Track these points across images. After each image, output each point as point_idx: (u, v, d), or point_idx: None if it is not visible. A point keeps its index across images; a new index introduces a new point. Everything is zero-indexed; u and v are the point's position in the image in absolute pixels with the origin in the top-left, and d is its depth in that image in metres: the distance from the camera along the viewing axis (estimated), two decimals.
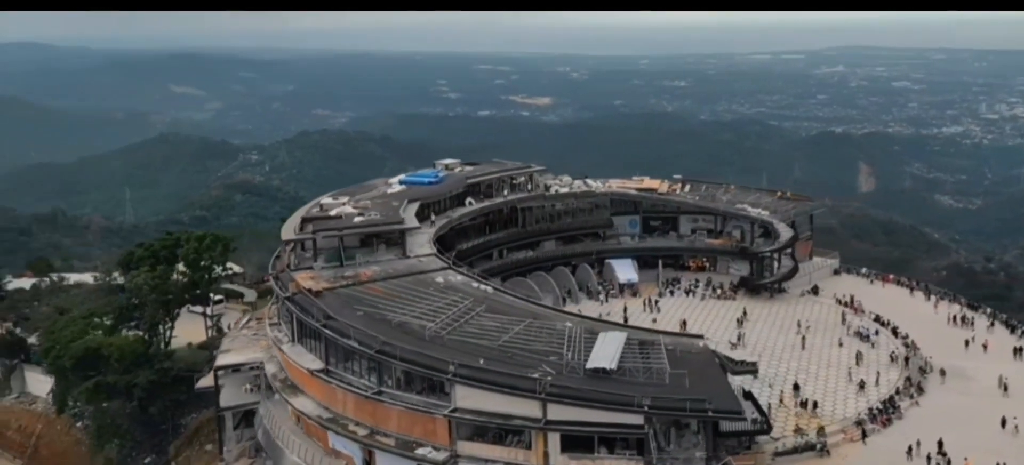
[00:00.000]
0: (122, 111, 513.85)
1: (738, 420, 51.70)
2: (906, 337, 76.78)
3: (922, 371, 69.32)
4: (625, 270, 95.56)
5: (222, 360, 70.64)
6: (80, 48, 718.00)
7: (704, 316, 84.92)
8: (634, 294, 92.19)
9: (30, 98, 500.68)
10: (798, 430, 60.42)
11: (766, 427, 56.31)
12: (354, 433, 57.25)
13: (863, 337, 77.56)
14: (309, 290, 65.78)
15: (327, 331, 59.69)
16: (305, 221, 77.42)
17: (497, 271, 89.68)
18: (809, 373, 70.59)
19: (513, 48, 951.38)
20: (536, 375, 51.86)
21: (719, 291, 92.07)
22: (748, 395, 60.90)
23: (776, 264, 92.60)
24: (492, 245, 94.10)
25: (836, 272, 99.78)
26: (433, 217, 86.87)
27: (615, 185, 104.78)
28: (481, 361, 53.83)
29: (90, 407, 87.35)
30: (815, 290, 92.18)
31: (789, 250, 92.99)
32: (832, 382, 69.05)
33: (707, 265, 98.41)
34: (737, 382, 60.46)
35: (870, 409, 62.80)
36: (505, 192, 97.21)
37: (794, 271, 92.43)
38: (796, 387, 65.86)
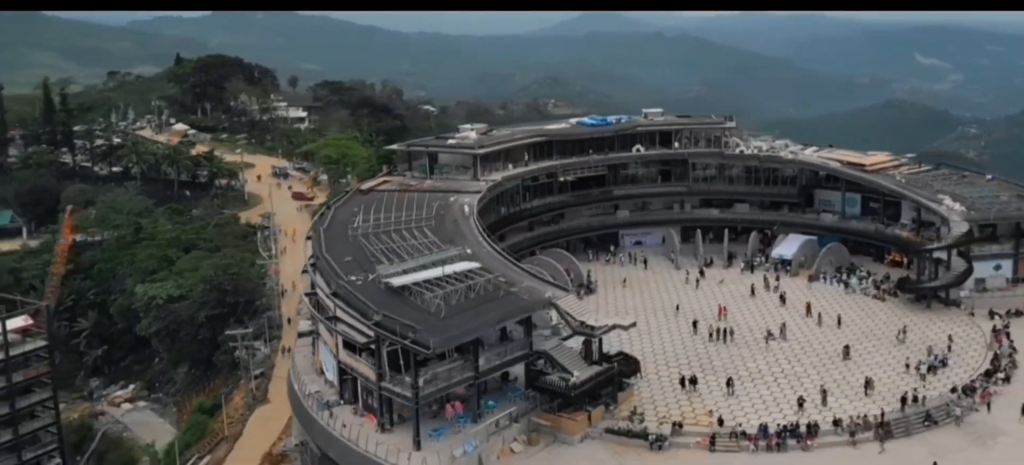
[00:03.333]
0: (867, 77, 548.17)
1: (424, 351, 49.60)
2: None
3: None
4: (787, 246, 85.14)
5: None
6: (847, 19, 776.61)
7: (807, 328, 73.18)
8: (789, 273, 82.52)
9: (797, 62, 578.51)
10: (634, 415, 54.57)
11: (568, 389, 53.12)
12: None
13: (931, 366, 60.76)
14: (365, 188, 79.14)
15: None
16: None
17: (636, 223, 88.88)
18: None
19: None
20: (351, 278, 58.16)
21: (876, 291, 76.89)
22: (607, 357, 57.94)
23: (941, 266, 73.44)
24: (653, 195, 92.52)
25: None
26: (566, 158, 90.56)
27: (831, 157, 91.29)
28: (347, 258, 61.72)
29: None
30: None
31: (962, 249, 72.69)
32: None
33: (907, 261, 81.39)
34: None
35: None
36: (676, 144, 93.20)
37: (966, 274, 72.18)
38: (801, 402, 56.46)
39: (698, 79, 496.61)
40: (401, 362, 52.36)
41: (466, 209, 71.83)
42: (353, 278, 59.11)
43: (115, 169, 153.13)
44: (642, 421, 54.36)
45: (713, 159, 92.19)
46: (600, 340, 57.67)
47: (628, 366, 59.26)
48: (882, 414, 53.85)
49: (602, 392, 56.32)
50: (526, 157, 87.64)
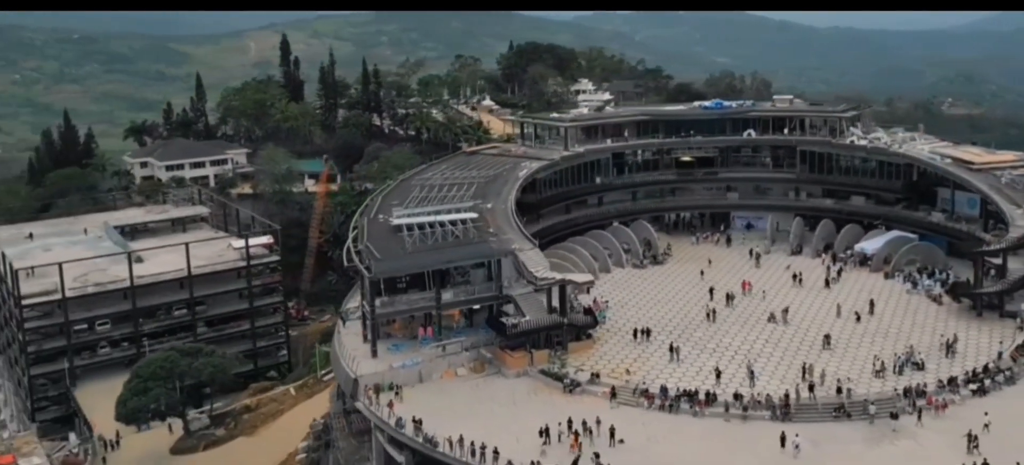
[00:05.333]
0: None
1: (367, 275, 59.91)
2: None
3: None
4: (872, 242, 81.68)
5: None
6: None
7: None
8: (869, 268, 79.91)
9: None
10: (560, 360, 60.71)
11: (508, 329, 60.68)
12: None
13: None
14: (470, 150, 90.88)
15: None
16: None
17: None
18: None
19: None
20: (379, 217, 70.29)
21: (936, 293, 72.35)
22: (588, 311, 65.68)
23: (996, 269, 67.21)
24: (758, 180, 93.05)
25: None
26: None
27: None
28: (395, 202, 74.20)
29: None
30: None
31: None
32: None
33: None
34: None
35: None
36: (785, 130, 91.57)
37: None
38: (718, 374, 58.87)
39: None
40: (381, 286, 63.63)
41: (521, 174, 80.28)
42: (380, 217, 71.16)
43: (409, 132, 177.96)
44: (562, 366, 60.29)
45: (820, 147, 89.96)
46: (564, 290, 63.56)
47: (587, 320, 64.86)
48: (786, 396, 54.55)
49: (554, 337, 62.82)
50: (626, 134, 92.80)
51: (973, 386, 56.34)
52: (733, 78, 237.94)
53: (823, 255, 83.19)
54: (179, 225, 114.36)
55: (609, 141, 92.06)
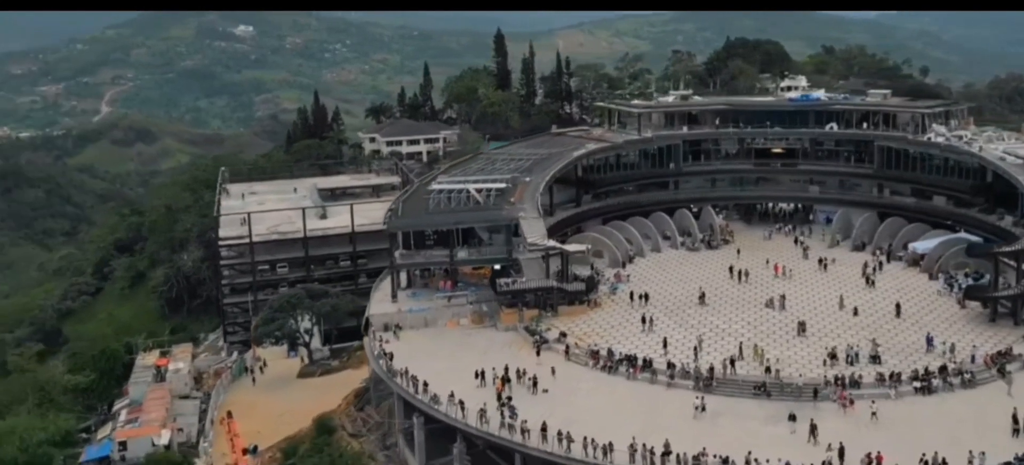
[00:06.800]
0: None
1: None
2: None
3: None
4: (926, 242, 79.35)
5: None
6: None
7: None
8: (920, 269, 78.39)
9: None
10: (540, 320, 67.64)
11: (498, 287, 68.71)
12: None
13: None
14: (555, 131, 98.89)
15: None
16: None
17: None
18: None
19: None
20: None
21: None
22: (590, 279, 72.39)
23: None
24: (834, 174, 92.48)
25: None
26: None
27: None
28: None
29: None
30: None
31: None
32: None
33: None
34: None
35: None
36: (864, 125, 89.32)
37: None
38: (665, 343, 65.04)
39: None
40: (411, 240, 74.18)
41: (575, 155, 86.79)
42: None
43: (595, 120, 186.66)
44: (538, 324, 67.22)
45: (896, 143, 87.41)
46: (566, 258, 70.56)
47: (579, 287, 71.00)
48: (711, 369, 58.09)
49: (547, 299, 69.83)
50: (707, 122, 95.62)
51: (917, 384, 56.59)
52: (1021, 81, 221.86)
53: (877, 252, 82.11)
54: (376, 191, 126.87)
55: (685, 128, 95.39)
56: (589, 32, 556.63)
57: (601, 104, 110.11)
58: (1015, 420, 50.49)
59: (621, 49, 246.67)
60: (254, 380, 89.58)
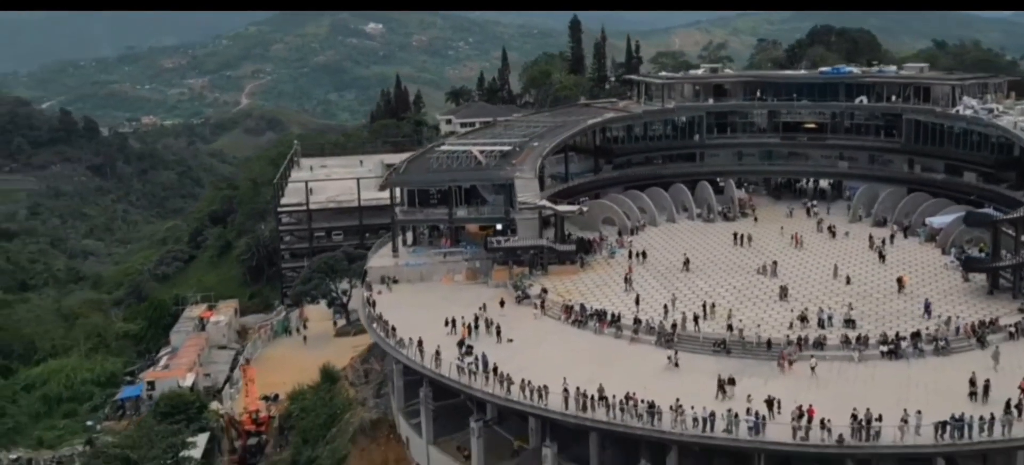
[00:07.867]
0: None
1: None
2: None
3: None
4: (942, 218, 76.62)
5: None
6: None
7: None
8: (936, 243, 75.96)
9: None
10: (525, 278, 68.83)
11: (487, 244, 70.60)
12: None
13: None
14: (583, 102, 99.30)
15: None
16: None
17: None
18: None
19: None
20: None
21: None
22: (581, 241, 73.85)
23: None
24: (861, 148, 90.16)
25: None
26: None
27: None
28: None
29: None
30: None
31: None
32: None
33: None
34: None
35: None
36: (892, 98, 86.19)
37: None
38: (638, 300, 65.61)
39: None
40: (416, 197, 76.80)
41: (589, 122, 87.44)
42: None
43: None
44: (523, 281, 68.50)
45: (924, 116, 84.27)
46: (562, 220, 72.03)
47: (569, 247, 71.92)
48: (673, 325, 58.33)
49: (538, 258, 71.12)
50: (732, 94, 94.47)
51: (884, 348, 55.42)
52: None
53: (894, 226, 79.81)
54: None
55: (711, 100, 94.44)
56: (705, 30, 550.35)
57: (631, 77, 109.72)
58: (972, 384, 49.14)
59: (738, 47, 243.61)
60: (305, 338, 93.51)
